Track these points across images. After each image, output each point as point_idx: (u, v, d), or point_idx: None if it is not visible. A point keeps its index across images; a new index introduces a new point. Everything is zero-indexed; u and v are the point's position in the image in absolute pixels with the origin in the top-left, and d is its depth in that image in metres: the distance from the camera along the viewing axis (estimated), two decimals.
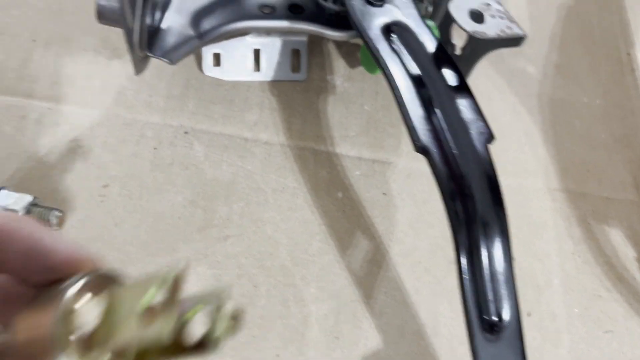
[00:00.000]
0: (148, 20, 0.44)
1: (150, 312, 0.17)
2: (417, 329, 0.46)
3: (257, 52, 0.54)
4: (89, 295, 0.18)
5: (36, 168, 0.47)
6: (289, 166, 0.51)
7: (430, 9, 0.49)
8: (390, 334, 0.45)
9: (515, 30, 0.41)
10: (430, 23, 0.46)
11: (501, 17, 0.42)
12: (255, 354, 0.43)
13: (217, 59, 0.53)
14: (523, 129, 0.58)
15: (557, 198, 0.54)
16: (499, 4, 0.43)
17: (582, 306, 0.49)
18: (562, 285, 0.50)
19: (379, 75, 0.55)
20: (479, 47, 0.43)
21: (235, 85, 0.54)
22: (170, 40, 0.47)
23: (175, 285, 0.17)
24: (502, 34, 0.41)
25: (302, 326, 0.44)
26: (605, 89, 0.62)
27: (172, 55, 0.46)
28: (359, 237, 0.49)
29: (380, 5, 0.45)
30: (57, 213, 0.34)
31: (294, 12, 0.51)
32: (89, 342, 0.17)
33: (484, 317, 0.35)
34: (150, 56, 0.45)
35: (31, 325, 0.17)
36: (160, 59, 0.45)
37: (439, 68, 0.42)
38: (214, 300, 0.18)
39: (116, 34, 0.54)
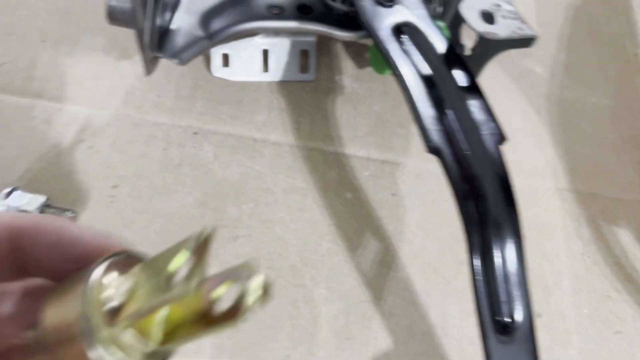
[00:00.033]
0: (158, 21, 0.44)
1: (177, 284, 0.16)
2: (426, 330, 0.46)
3: (265, 53, 0.54)
4: (115, 273, 0.18)
5: (46, 169, 0.47)
6: (298, 167, 0.51)
7: (440, 9, 0.49)
8: (399, 335, 0.45)
9: (527, 31, 0.41)
10: (441, 23, 0.46)
11: (512, 18, 0.42)
12: (265, 355, 0.43)
13: (225, 59, 0.53)
14: (532, 129, 0.58)
15: (566, 198, 0.54)
16: (510, 4, 0.43)
17: (591, 307, 0.49)
18: (571, 286, 0.50)
19: (388, 75, 0.55)
20: (489, 47, 0.43)
21: (243, 85, 0.54)
22: (180, 40, 0.47)
23: (202, 249, 0.17)
24: (513, 35, 0.41)
25: (312, 327, 0.44)
26: (614, 89, 0.62)
27: (181, 55, 0.46)
28: (368, 237, 0.49)
29: (390, 6, 0.45)
30: (70, 214, 0.34)
31: (303, 12, 0.51)
32: (118, 320, 0.17)
33: (497, 318, 0.35)
34: (160, 57, 0.45)
35: (58, 308, 0.17)
36: (170, 60, 0.45)
37: (450, 68, 0.42)
38: (242, 273, 0.17)
39: (125, 35, 0.54)
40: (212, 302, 0.17)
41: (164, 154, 0.49)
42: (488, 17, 0.42)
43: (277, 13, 0.50)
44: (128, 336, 0.17)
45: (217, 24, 0.49)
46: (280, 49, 0.54)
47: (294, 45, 0.54)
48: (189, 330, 0.18)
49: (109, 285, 0.17)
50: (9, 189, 0.35)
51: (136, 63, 0.53)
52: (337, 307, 0.45)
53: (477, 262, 0.34)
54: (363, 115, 0.55)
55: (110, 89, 0.51)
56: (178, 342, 0.18)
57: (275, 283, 0.45)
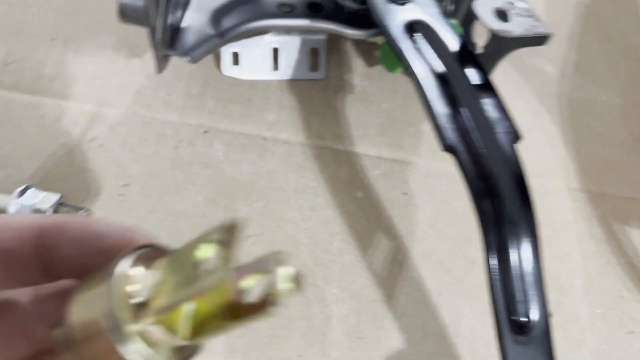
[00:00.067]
0: (169, 19, 0.44)
1: (205, 275, 0.16)
2: (438, 330, 0.45)
3: (275, 51, 0.53)
4: (141, 267, 0.17)
5: (56, 167, 0.47)
6: (308, 165, 0.51)
7: (451, 7, 0.49)
8: (412, 335, 0.45)
9: (541, 29, 0.41)
10: (453, 21, 0.46)
11: (526, 16, 0.41)
12: (277, 354, 0.42)
13: (235, 58, 0.53)
14: (542, 128, 0.58)
15: (577, 198, 0.54)
16: (524, 2, 0.43)
17: (604, 307, 0.49)
18: (584, 286, 0.49)
19: (397, 74, 0.55)
20: (503, 45, 0.42)
21: (253, 84, 0.54)
22: (191, 39, 0.47)
23: (231, 240, 0.17)
24: (527, 33, 0.40)
25: (324, 326, 0.44)
26: (624, 87, 0.61)
27: (192, 54, 0.46)
28: (379, 237, 0.49)
29: (403, 4, 0.45)
30: (83, 212, 0.34)
31: (313, 10, 0.50)
32: (145, 314, 0.17)
33: (513, 317, 0.35)
34: (171, 55, 0.45)
35: (85, 304, 0.17)
36: (182, 58, 0.45)
37: (463, 67, 0.41)
38: (272, 264, 0.17)
39: (134, 33, 0.54)
40: (241, 294, 0.17)
41: (175, 153, 0.49)
42: (502, 15, 0.42)
43: (288, 11, 0.50)
44: (156, 331, 0.17)
45: (227, 22, 0.49)
46: (290, 47, 0.53)
47: (304, 43, 0.54)
48: (217, 323, 0.17)
49: (136, 279, 0.17)
50: (22, 187, 0.34)
51: (146, 61, 0.53)
52: (349, 306, 0.45)
53: (494, 261, 0.34)
54: (373, 113, 0.54)
55: (120, 87, 0.51)
56: (206, 335, 0.18)
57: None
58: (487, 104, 0.40)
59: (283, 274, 0.17)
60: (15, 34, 0.53)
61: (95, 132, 0.49)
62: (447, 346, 0.45)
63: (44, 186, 0.43)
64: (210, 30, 0.48)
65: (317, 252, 0.47)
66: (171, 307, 0.17)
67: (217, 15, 0.49)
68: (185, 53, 0.46)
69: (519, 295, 0.35)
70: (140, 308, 0.17)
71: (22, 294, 0.19)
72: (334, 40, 0.56)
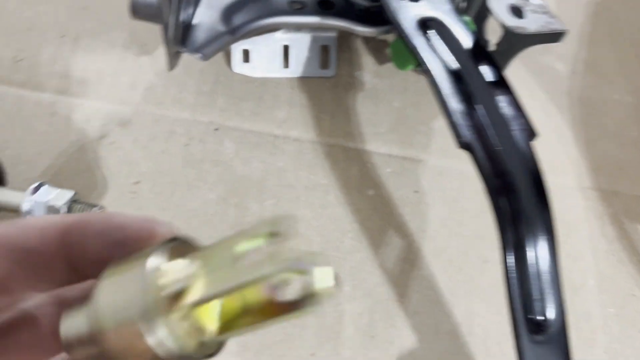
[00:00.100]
0: (181, 16, 0.44)
1: (240, 272, 0.16)
2: (451, 329, 0.45)
3: (286, 49, 0.53)
4: (176, 260, 0.17)
5: (67, 164, 0.47)
6: (319, 163, 0.50)
7: (464, 4, 0.49)
8: (424, 333, 0.45)
9: (556, 26, 0.40)
10: (466, 18, 0.45)
11: (541, 12, 0.41)
12: (290, 353, 0.42)
13: (246, 55, 0.53)
14: (554, 127, 0.57)
15: (589, 196, 0.53)
16: None
17: (616, 306, 0.49)
18: (596, 285, 0.49)
19: (408, 71, 0.55)
20: (518, 42, 0.42)
21: (264, 81, 0.53)
22: (202, 36, 0.47)
23: (279, 235, 0.16)
24: (542, 29, 0.40)
25: (337, 325, 0.44)
26: (636, 86, 0.61)
27: (204, 51, 0.46)
28: (391, 235, 0.48)
29: (416, 0, 0.44)
30: (97, 209, 0.33)
31: (324, 7, 0.50)
32: (177, 306, 0.17)
33: (529, 316, 0.35)
34: (183, 52, 0.45)
35: (114, 291, 0.17)
36: (193, 55, 0.45)
37: (477, 64, 0.41)
38: (309, 263, 0.16)
39: (144, 30, 0.54)
40: (277, 291, 0.16)
41: (186, 150, 0.49)
42: (517, 12, 0.42)
43: (299, 8, 0.50)
44: (185, 324, 0.17)
45: (238, 19, 0.48)
46: (301, 45, 0.53)
47: (314, 40, 0.53)
48: (248, 320, 0.17)
49: (168, 271, 0.17)
50: (36, 184, 0.34)
51: (156, 59, 0.53)
52: (361, 305, 0.45)
53: (511, 259, 0.34)
54: (384, 111, 0.54)
55: (131, 84, 0.51)
56: (235, 332, 0.17)
57: None
58: (502, 101, 0.39)
59: (320, 275, 0.16)
60: (26, 31, 0.53)
61: (106, 129, 0.49)
62: (460, 345, 0.45)
63: (55, 184, 0.43)
64: (221, 28, 0.48)
65: (328, 250, 0.47)
66: (206, 300, 0.17)
67: (228, 12, 0.48)
68: (196, 50, 0.46)
69: (535, 294, 0.35)
70: (172, 300, 0.17)
71: (44, 304, 0.20)
72: (344, 38, 0.56)
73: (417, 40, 0.41)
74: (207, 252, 0.17)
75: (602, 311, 0.48)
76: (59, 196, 0.33)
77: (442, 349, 0.44)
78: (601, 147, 0.56)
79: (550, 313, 0.35)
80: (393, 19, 0.43)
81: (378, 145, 0.52)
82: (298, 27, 0.52)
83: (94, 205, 0.34)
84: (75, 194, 0.34)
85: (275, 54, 0.53)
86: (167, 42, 0.41)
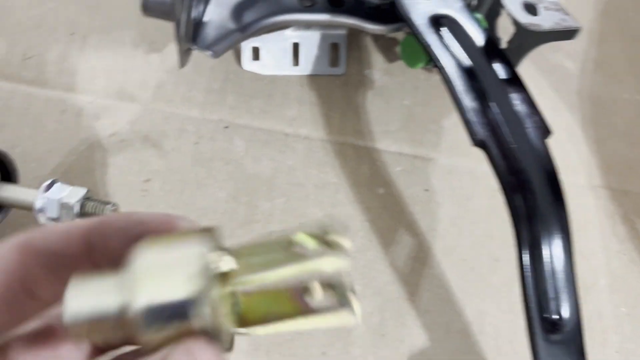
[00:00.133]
0: (192, 13, 0.44)
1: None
2: (462, 327, 0.45)
3: (295, 47, 0.53)
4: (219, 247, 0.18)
5: (77, 162, 0.47)
6: (329, 161, 0.50)
7: (475, 2, 0.49)
8: (435, 332, 0.44)
9: (570, 23, 0.40)
10: (478, 15, 0.45)
11: (555, 9, 0.41)
12: (301, 352, 0.42)
13: (256, 53, 0.53)
14: (564, 125, 0.57)
15: (600, 195, 0.53)
16: None
17: (628, 305, 0.48)
18: (608, 284, 0.49)
19: (418, 69, 0.55)
20: (531, 39, 0.42)
21: (274, 79, 0.53)
22: (212, 33, 0.47)
23: (328, 239, 0.17)
24: (557, 27, 0.40)
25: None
26: None
27: (214, 48, 0.46)
28: (401, 233, 0.48)
29: None
30: (110, 207, 0.33)
31: (334, 5, 0.50)
32: (222, 290, 0.17)
33: (545, 315, 0.35)
34: (194, 49, 0.45)
35: (160, 265, 0.17)
36: (204, 52, 0.45)
37: (490, 61, 0.41)
38: (339, 283, 0.18)
39: (153, 28, 0.54)
40: (303, 297, 0.17)
41: (196, 148, 0.48)
42: (530, 9, 0.41)
43: (309, 5, 0.50)
44: (222, 309, 0.17)
45: (249, 16, 0.48)
46: (311, 42, 0.53)
47: (324, 38, 0.53)
48: (270, 318, 0.17)
49: (214, 254, 0.17)
50: (49, 182, 0.34)
51: (165, 56, 0.53)
52: (372, 303, 0.45)
53: (527, 258, 0.34)
54: (394, 109, 0.54)
55: (141, 82, 0.51)
56: (259, 328, 0.18)
57: None
58: (516, 99, 0.39)
59: (351, 302, 0.17)
60: (35, 28, 0.52)
61: (116, 127, 0.49)
62: (471, 344, 0.45)
63: (66, 181, 0.42)
64: (231, 25, 0.47)
65: None
66: (246, 287, 0.17)
67: (238, 10, 0.48)
68: (207, 47, 0.45)
69: (550, 293, 0.35)
70: (216, 282, 0.17)
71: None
72: (353, 36, 0.56)
73: (430, 37, 0.41)
74: (247, 246, 0.18)
75: (614, 311, 0.48)
76: (71, 194, 0.33)
77: (453, 347, 0.44)
78: (611, 146, 0.56)
79: (565, 312, 0.35)
80: (405, 16, 0.43)
81: (388, 143, 0.52)
82: (308, 25, 0.52)
83: (107, 203, 0.33)
84: (88, 191, 0.34)
85: (285, 52, 0.53)
86: (179, 39, 0.41)
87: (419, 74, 0.56)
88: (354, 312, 0.17)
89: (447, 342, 0.44)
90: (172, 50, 0.53)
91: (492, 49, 0.42)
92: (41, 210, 0.34)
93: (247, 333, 0.18)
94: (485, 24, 0.45)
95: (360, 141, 0.52)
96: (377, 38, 0.57)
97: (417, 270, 0.47)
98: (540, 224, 0.34)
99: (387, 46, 0.57)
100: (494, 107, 0.38)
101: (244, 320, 0.18)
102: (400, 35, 0.57)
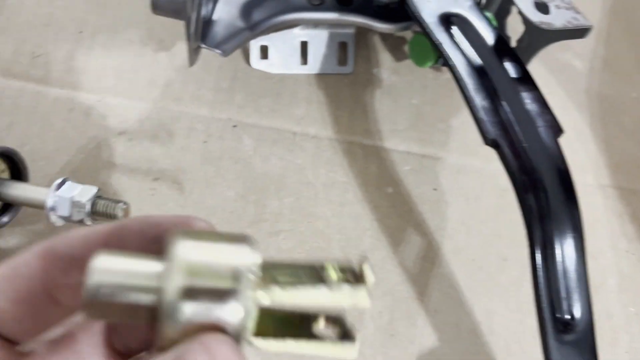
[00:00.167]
0: (202, 11, 0.44)
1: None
2: (472, 327, 0.45)
3: (304, 45, 0.53)
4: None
5: (86, 161, 0.46)
6: (338, 160, 0.50)
7: (484, 0, 0.48)
8: (445, 332, 0.44)
9: (582, 21, 0.40)
10: (488, 14, 0.45)
11: (566, 8, 0.41)
12: None
13: (264, 51, 0.53)
14: (572, 124, 0.57)
15: (608, 195, 0.53)
16: None
17: (637, 305, 0.48)
18: (616, 284, 0.49)
19: (426, 68, 0.54)
20: (542, 38, 0.42)
21: (282, 78, 0.53)
22: (221, 31, 0.47)
23: (356, 274, 0.18)
24: (569, 25, 0.40)
25: (358, 323, 0.43)
26: None
27: (224, 47, 0.46)
28: (410, 233, 0.48)
29: None
30: (122, 205, 0.33)
31: (343, 3, 0.50)
32: (257, 294, 0.18)
33: (557, 315, 0.34)
34: (203, 47, 0.44)
35: (203, 259, 0.17)
36: (214, 51, 0.44)
37: (501, 60, 0.41)
38: (346, 320, 0.19)
39: (161, 26, 0.54)
40: (310, 323, 0.18)
41: (204, 147, 0.48)
42: (542, 7, 0.41)
43: (317, 4, 0.49)
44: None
45: (257, 14, 0.48)
46: (319, 41, 0.53)
47: (332, 37, 0.53)
48: (281, 335, 0.18)
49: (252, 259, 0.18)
50: (60, 180, 0.34)
51: (174, 55, 0.52)
52: (381, 303, 0.45)
53: (539, 257, 0.34)
54: (402, 108, 0.54)
55: (149, 81, 0.51)
56: (270, 341, 0.18)
57: None
58: (527, 97, 0.39)
59: (349, 337, 0.18)
60: (43, 26, 0.52)
61: (125, 126, 0.48)
62: (481, 344, 0.44)
63: (74, 180, 0.42)
64: (240, 24, 0.47)
65: (348, 248, 0.46)
66: (276, 297, 0.17)
67: (247, 8, 0.48)
68: (216, 46, 0.45)
69: (563, 293, 0.35)
70: (254, 285, 0.17)
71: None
72: (361, 35, 0.56)
73: (441, 36, 0.41)
74: (275, 262, 0.18)
75: (623, 310, 0.48)
76: (83, 192, 0.33)
77: (463, 348, 0.44)
78: (620, 145, 0.56)
79: (577, 312, 0.35)
80: (416, 14, 0.43)
81: (396, 142, 0.52)
82: (316, 23, 0.52)
83: (118, 202, 0.33)
84: (99, 190, 0.34)
85: (293, 51, 0.53)
86: (190, 37, 0.40)
87: (427, 73, 0.55)
88: (355, 347, 0.18)
89: (456, 342, 0.44)
90: (180, 48, 0.53)
91: (502, 48, 0.41)
92: (52, 208, 0.33)
93: (257, 345, 0.18)
94: (495, 22, 0.45)
95: (369, 140, 0.52)
96: (385, 37, 0.57)
97: (426, 270, 0.46)
98: (553, 223, 0.34)
99: (395, 45, 0.57)
100: (505, 106, 0.38)
101: (256, 333, 0.18)
102: (408, 34, 0.56)
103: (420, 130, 0.53)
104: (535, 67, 0.59)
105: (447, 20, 0.43)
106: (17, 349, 0.19)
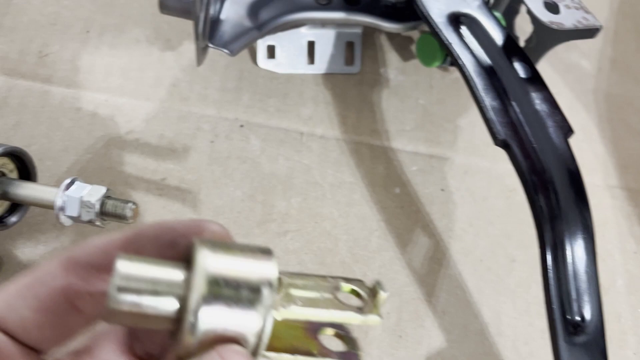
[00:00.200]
0: (210, 10, 0.44)
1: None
2: (480, 329, 0.45)
3: (311, 45, 0.53)
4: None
5: (93, 161, 0.46)
6: (345, 161, 0.50)
7: (492, 0, 0.48)
8: (453, 333, 0.44)
9: (592, 21, 0.40)
10: (497, 14, 0.45)
11: (576, 8, 0.40)
12: None
13: (271, 51, 0.52)
14: (580, 125, 0.56)
15: (616, 196, 0.53)
16: None
17: None
18: (625, 285, 0.48)
19: (433, 68, 0.54)
20: (552, 38, 0.41)
21: (289, 78, 0.53)
22: (229, 31, 0.46)
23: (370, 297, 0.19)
24: (579, 25, 0.39)
25: (364, 325, 0.43)
26: None
27: (231, 46, 0.45)
28: (418, 233, 0.48)
29: None
30: (131, 205, 0.33)
31: (350, 3, 0.50)
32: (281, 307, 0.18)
33: (567, 317, 0.34)
34: (211, 47, 0.44)
35: (230, 270, 0.17)
36: (221, 50, 0.44)
37: (510, 60, 0.41)
38: (355, 343, 0.20)
39: (168, 26, 0.54)
40: (317, 334, 0.19)
41: (211, 147, 0.48)
42: (552, 7, 0.41)
43: (325, 4, 0.49)
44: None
45: (265, 14, 0.48)
46: (326, 41, 0.53)
47: (339, 36, 0.53)
48: (291, 349, 0.19)
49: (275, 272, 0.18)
50: (69, 180, 0.34)
51: (180, 54, 0.52)
52: (389, 304, 0.44)
53: (550, 259, 0.33)
54: (409, 108, 0.53)
55: (156, 80, 0.51)
56: (284, 356, 0.19)
57: None
58: (536, 98, 0.39)
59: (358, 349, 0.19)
60: (50, 25, 0.52)
61: (131, 125, 0.48)
62: (489, 345, 0.44)
63: (81, 180, 0.42)
64: (247, 23, 0.47)
65: (355, 249, 0.46)
66: (291, 313, 0.18)
67: (255, 8, 0.48)
68: (224, 45, 0.45)
69: (573, 294, 0.34)
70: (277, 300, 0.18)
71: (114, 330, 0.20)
72: (368, 35, 0.56)
73: (450, 35, 0.41)
74: (291, 275, 0.19)
75: (632, 312, 0.47)
76: (92, 192, 0.33)
77: (471, 349, 0.44)
78: (628, 146, 0.56)
79: (588, 314, 0.35)
80: (425, 14, 0.42)
81: (404, 142, 0.52)
82: (323, 23, 0.51)
83: (127, 202, 0.33)
84: (108, 190, 0.34)
85: (301, 50, 0.53)
86: (198, 37, 0.40)
87: (433, 73, 0.55)
88: None
89: (464, 343, 0.44)
90: (186, 48, 0.53)
91: (512, 48, 0.41)
92: (61, 208, 0.33)
93: (270, 358, 0.18)
94: (504, 22, 0.45)
95: (376, 140, 0.51)
96: (392, 36, 0.57)
97: (434, 271, 0.46)
98: (563, 224, 0.34)
99: (402, 45, 0.57)
100: (515, 106, 0.37)
101: (268, 346, 0.18)
102: (415, 34, 0.56)
103: (427, 131, 0.53)
104: (542, 67, 0.59)
105: (456, 20, 0.42)
106: (41, 357, 0.20)
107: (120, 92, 0.50)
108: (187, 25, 0.43)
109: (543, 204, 0.34)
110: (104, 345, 0.20)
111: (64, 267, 0.19)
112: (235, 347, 0.17)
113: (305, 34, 0.52)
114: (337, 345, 0.21)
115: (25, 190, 0.35)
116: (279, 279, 0.18)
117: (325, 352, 0.18)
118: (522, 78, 0.40)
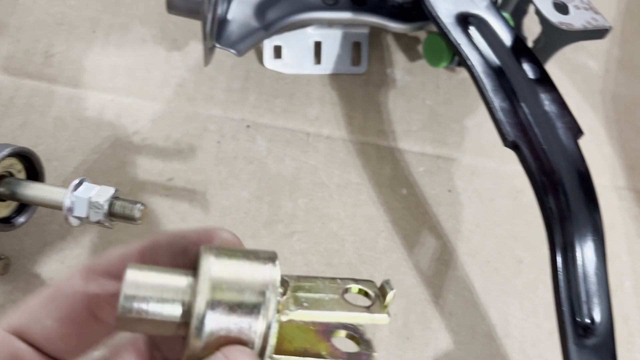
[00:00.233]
0: (218, 10, 0.44)
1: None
2: (487, 330, 0.44)
3: (317, 45, 0.53)
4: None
5: (99, 161, 0.46)
6: (351, 161, 0.50)
7: (500, 0, 0.48)
8: (460, 335, 0.44)
9: (602, 22, 0.40)
10: (505, 14, 0.45)
11: (585, 8, 0.40)
12: None
13: (277, 51, 0.52)
14: (587, 126, 0.55)
15: (624, 197, 0.53)
16: None
17: None
18: (633, 286, 0.48)
19: (440, 69, 0.54)
20: (561, 38, 0.41)
21: (295, 78, 0.53)
22: (236, 31, 0.46)
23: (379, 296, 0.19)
24: (588, 26, 0.39)
25: (372, 326, 0.43)
26: None
27: (238, 46, 0.45)
28: (425, 234, 0.48)
29: None
30: (140, 206, 0.33)
31: (357, 3, 0.50)
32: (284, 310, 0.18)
33: (577, 319, 0.34)
34: (218, 47, 0.44)
35: (232, 277, 0.18)
36: (229, 50, 0.44)
37: (519, 61, 0.40)
38: (369, 343, 0.20)
39: (174, 26, 0.54)
40: (329, 336, 0.19)
41: (218, 147, 0.48)
42: (561, 8, 0.41)
43: (332, 4, 0.49)
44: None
45: (272, 14, 0.48)
46: (333, 41, 0.53)
47: (346, 37, 0.53)
48: (301, 352, 0.19)
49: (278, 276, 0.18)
50: (77, 181, 0.34)
51: (187, 54, 0.52)
52: (396, 306, 0.44)
53: (560, 260, 0.33)
54: (416, 109, 0.53)
55: (162, 80, 0.51)
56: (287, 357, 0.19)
57: None
58: (546, 99, 0.39)
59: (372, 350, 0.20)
60: (56, 25, 0.52)
61: (138, 126, 0.48)
62: (497, 347, 0.44)
63: (88, 180, 0.42)
64: (254, 23, 0.47)
65: (362, 250, 0.46)
66: (298, 315, 0.18)
67: (262, 8, 0.48)
68: (231, 45, 0.45)
69: (583, 296, 0.34)
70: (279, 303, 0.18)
71: (136, 341, 0.21)
72: (374, 35, 0.56)
73: (459, 36, 0.41)
74: (299, 278, 0.19)
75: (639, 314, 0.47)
76: (100, 193, 0.33)
77: (478, 351, 0.44)
78: (635, 147, 0.55)
79: (597, 316, 0.34)
80: (433, 15, 0.42)
81: (411, 143, 0.51)
82: (330, 23, 0.51)
83: (135, 203, 0.33)
84: (116, 190, 0.34)
85: (307, 50, 0.52)
86: (206, 37, 0.40)
87: (440, 73, 0.55)
88: None
89: (472, 345, 0.44)
90: (193, 48, 0.53)
91: (520, 48, 0.41)
92: (70, 209, 0.33)
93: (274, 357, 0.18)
94: (512, 22, 0.45)
95: (383, 141, 0.51)
96: (398, 37, 0.57)
97: (441, 272, 0.46)
98: (573, 225, 0.34)
99: (409, 45, 0.56)
100: (524, 107, 0.37)
101: (277, 348, 0.18)
102: (422, 34, 0.56)
103: (434, 131, 0.52)
104: (550, 68, 0.59)
105: (465, 20, 0.42)
106: None
107: (126, 92, 0.50)
108: (194, 25, 0.43)
109: (553, 205, 0.34)
110: (125, 354, 0.20)
111: (85, 278, 0.20)
112: (240, 348, 0.17)
113: (312, 34, 0.52)
114: (351, 347, 0.21)
115: (34, 190, 0.35)
116: (285, 282, 0.19)
117: (335, 353, 0.19)
118: (531, 79, 0.40)
